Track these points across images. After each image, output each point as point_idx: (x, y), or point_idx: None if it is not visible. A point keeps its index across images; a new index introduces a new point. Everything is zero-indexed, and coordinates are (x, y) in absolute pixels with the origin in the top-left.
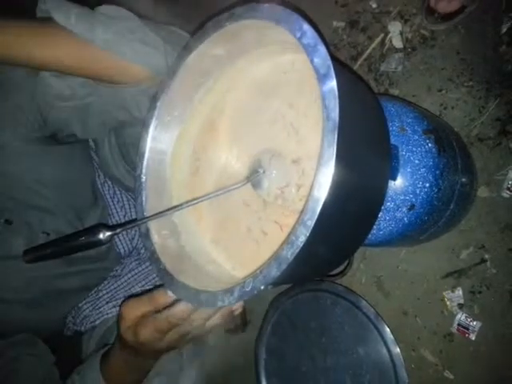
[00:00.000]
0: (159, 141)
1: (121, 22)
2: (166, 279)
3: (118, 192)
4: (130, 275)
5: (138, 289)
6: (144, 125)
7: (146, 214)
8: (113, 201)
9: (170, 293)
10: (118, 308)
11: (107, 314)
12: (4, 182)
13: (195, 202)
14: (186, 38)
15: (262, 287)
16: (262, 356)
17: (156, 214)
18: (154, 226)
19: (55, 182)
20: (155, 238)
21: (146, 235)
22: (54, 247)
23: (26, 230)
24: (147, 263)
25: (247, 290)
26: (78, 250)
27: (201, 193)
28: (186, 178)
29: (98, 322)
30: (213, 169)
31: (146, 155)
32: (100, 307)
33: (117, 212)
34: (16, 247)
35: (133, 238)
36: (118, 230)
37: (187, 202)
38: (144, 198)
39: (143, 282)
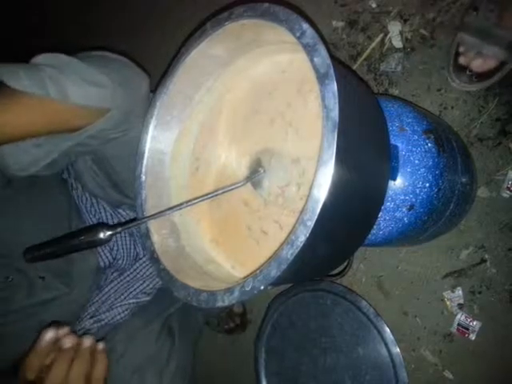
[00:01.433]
0: (159, 140)
1: (65, 68)
2: (166, 279)
3: (94, 203)
4: (110, 286)
5: (118, 302)
6: (144, 124)
7: (146, 213)
8: (89, 214)
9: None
10: (100, 323)
11: (89, 329)
12: None
13: (195, 201)
14: (119, 60)
15: (262, 287)
16: (262, 356)
17: (156, 213)
18: (153, 226)
19: (33, 226)
20: (155, 237)
21: (146, 235)
22: (55, 246)
23: (25, 281)
24: (127, 273)
25: (247, 289)
26: (79, 248)
27: (200, 192)
28: (185, 177)
29: None
30: (212, 168)
31: (146, 155)
32: (82, 322)
33: (93, 223)
34: (18, 301)
35: (112, 249)
36: (119, 229)
37: (187, 202)
38: (143, 198)
39: (125, 294)
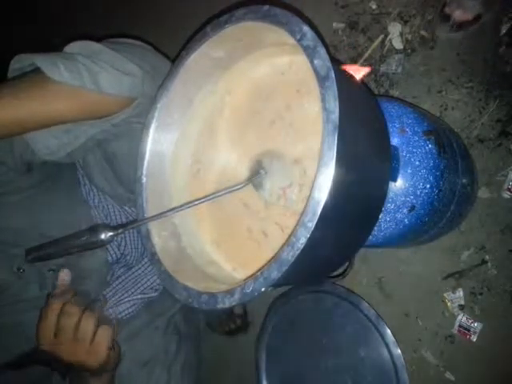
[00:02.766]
0: (159, 143)
1: (98, 57)
2: (166, 281)
3: (102, 199)
4: (117, 282)
5: (126, 297)
6: (145, 127)
7: (147, 215)
8: (97, 209)
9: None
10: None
11: None
12: (8, 232)
13: (196, 203)
14: (143, 47)
15: (263, 289)
16: (263, 357)
17: (156, 214)
18: (154, 228)
19: (46, 218)
20: (156, 239)
21: (147, 236)
22: (56, 247)
23: (35, 273)
24: (134, 268)
25: (248, 291)
26: (80, 249)
27: (201, 194)
28: (186, 179)
29: None
30: (213, 170)
31: (147, 157)
32: None
33: (100, 219)
34: (30, 292)
35: (119, 245)
36: (120, 231)
37: (187, 203)
38: (144, 200)
39: (133, 290)
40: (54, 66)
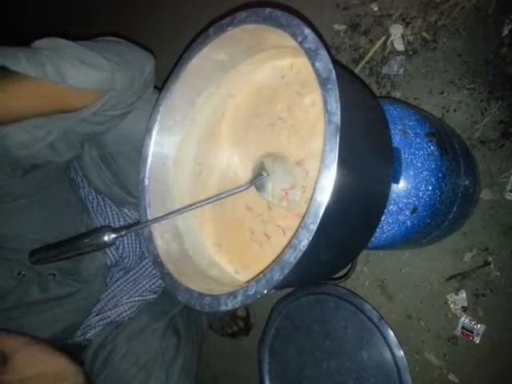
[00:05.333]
0: (162, 145)
1: (64, 51)
2: (169, 283)
3: (101, 202)
4: (116, 285)
5: (125, 300)
6: (147, 129)
7: (149, 217)
8: (96, 212)
9: None
10: (106, 320)
11: (95, 326)
12: (7, 239)
13: (198, 205)
14: (122, 42)
15: (265, 291)
16: (266, 359)
17: (159, 216)
18: (157, 230)
19: (46, 222)
20: (158, 241)
21: (150, 238)
22: (60, 249)
23: (36, 277)
24: (133, 271)
25: (250, 293)
26: (83, 251)
27: (203, 196)
28: (188, 181)
29: (88, 336)
30: (215, 172)
31: (149, 159)
32: (88, 320)
33: (99, 222)
34: (31, 297)
35: (118, 248)
36: (123, 232)
37: (190, 206)
38: (147, 202)
39: (131, 293)
40: (12, 57)
